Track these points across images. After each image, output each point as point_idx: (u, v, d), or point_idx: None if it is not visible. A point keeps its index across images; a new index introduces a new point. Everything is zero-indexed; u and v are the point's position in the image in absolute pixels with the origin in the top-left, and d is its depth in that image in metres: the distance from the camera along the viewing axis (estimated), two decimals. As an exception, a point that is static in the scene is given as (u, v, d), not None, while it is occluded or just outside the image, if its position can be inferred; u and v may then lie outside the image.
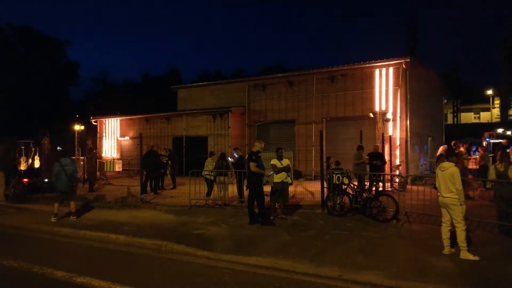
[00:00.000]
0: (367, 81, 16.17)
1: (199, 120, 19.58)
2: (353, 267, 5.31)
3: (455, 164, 6.05)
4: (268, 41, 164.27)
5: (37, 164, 13.89)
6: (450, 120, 45.48)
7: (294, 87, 18.17)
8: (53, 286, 5.03)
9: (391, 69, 15.60)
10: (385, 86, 15.66)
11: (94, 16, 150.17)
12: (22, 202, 11.26)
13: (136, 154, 19.49)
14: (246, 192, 9.07)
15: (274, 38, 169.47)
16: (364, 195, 8.91)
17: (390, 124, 15.28)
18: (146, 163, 11.93)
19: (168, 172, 14.04)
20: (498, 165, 7.43)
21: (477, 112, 50.47)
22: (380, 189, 10.16)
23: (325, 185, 9.57)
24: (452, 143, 11.25)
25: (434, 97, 21.94)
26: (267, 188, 8.71)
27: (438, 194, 6.13)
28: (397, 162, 14.84)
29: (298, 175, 16.35)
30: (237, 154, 11.15)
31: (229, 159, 11.36)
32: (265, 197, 8.36)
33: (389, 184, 13.00)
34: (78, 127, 18.94)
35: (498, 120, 43.47)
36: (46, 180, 13.01)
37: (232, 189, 11.04)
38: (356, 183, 9.62)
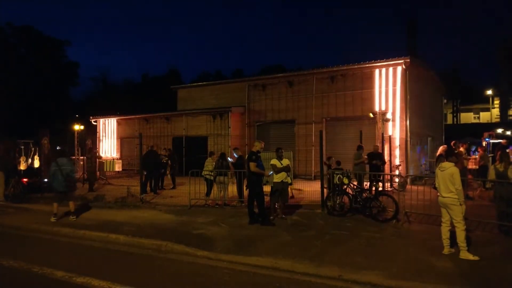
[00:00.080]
0: (367, 81, 16.16)
1: (199, 120, 19.57)
2: (353, 267, 5.31)
3: (454, 164, 6.06)
4: (268, 41, 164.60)
5: (36, 164, 13.88)
6: (450, 120, 45.60)
7: (294, 87, 18.17)
8: (53, 286, 5.03)
9: (391, 69, 15.60)
10: (385, 86, 15.66)
11: (94, 16, 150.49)
12: (21, 202, 11.25)
13: (136, 154, 19.55)
14: (246, 192, 9.06)
15: (274, 38, 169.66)
16: (364, 195, 8.92)
17: (390, 124, 15.29)
18: (146, 163, 11.94)
19: (168, 172, 14.02)
20: (497, 165, 7.44)
21: (477, 112, 50.60)
22: (380, 189, 10.16)
23: (325, 185, 9.57)
24: (451, 143, 11.24)
25: (433, 97, 21.95)
26: (267, 188, 8.72)
27: (438, 194, 6.13)
28: (397, 162, 14.84)
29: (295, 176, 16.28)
30: (236, 154, 11.14)
31: (229, 159, 11.36)
32: (265, 197, 8.36)
33: (389, 184, 13.01)
34: (78, 127, 18.94)
35: (498, 120, 43.58)
36: (45, 180, 12.99)
37: (232, 189, 11.04)
38: (355, 183, 9.62)
